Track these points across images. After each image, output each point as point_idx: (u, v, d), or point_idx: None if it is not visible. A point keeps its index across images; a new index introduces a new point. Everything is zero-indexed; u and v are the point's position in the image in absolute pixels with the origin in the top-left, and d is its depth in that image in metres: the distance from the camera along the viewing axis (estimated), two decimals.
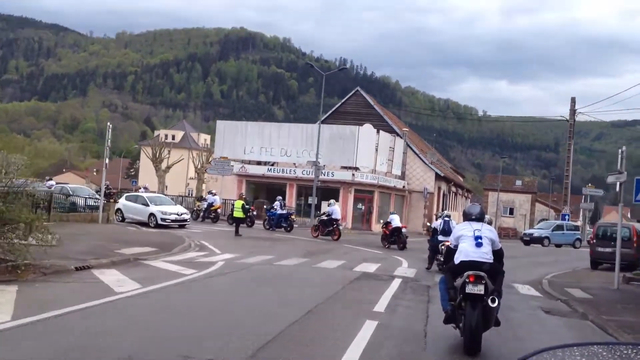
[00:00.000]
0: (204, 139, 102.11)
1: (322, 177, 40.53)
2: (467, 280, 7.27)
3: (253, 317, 8.80)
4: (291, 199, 42.11)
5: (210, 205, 35.24)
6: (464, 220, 8.28)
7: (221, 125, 44.89)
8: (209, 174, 45.61)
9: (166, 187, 71.93)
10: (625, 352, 0.97)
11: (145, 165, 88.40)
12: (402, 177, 47.44)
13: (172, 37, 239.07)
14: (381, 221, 30.15)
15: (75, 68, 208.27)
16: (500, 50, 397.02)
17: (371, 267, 17.12)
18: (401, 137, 47.42)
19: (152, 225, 28.85)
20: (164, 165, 65.14)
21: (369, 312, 9.70)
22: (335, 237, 27.49)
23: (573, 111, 50.41)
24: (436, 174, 48.31)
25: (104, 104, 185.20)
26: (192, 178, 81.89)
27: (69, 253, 14.81)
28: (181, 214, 29.53)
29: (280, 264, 16.38)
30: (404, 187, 46.52)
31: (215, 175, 42.33)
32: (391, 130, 46.88)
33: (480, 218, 8.13)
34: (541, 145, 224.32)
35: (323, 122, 45.97)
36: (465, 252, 7.61)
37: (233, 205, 28.33)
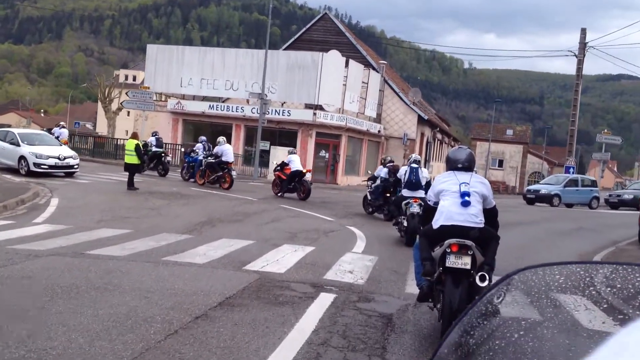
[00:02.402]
0: None
1: (275, 116, 32.31)
2: (449, 250, 5.54)
3: None
4: (238, 143, 33.80)
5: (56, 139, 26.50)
6: (448, 168, 6.13)
7: (152, 49, 35.76)
8: (125, 108, 37.08)
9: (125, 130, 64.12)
10: (601, 270, 1.02)
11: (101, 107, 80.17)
12: (378, 119, 39.20)
13: None
14: (274, 162, 23.78)
15: (52, 11, 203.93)
16: (488, 2, 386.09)
17: (289, 259, 9.10)
18: (377, 71, 38.98)
19: (23, 172, 20.77)
20: (114, 106, 57.33)
21: None
22: (226, 186, 21.07)
23: (583, 44, 42.33)
24: (419, 116, 39.98)
25: (80, 49, 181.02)
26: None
27: None
28: (64, 158, 21.24)
29: (103, 255, 8.26)
30: (379, 131, 38.30)
31: (134, 109, 33.95)
32: (366, 64, 38.41)
33: (469, 167, 6.03)
34: (526, 98, 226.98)
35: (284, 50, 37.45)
36: (448, 213, 5.69)
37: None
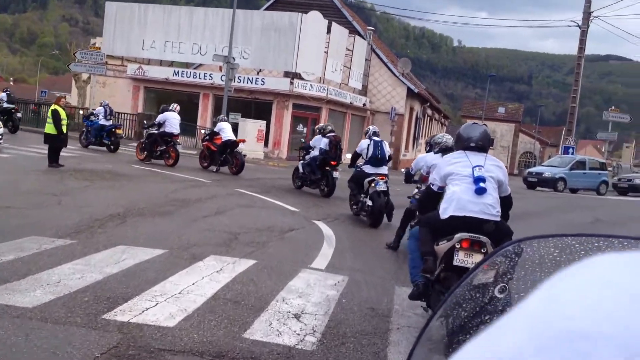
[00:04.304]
0: None
1: (247, 84, 28.73)
2: (459, 245, 4.74)
3: None
4: (205, 115, 30.19)
5: None
6: (458, 147, 5.31)
7: (111, 7, 31.69)
8: (73, 72, 33.26)
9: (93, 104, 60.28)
10: (596, 243, 0.94)
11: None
12: (364, 92, 35.62)
13: None
14: (202, 131, 21.71)
15: None
16: None
17: (200, 290, 5.63)
18: (364, 38, 35.30)
19: None
20: (85, 75, 53.42)
21: None
22: (170, 162, 17.67)
23: (588, 14, 38.89)
24: (408, 89, 36.40)
25: (64, 18, 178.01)
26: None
27: None
28: None
29: None
30: (364, 104, 34.76)
31: (82, 72, 30.28)
32: (351, 30, 34.71)
33: (483, 146, 5.17)
34: (514, 77, 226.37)
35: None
36: (459, 201, 4.86)
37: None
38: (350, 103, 32.57)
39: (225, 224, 9.38)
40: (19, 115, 25.20)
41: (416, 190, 8.91)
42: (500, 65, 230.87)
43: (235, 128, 25.66)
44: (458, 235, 4.76)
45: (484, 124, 5.76)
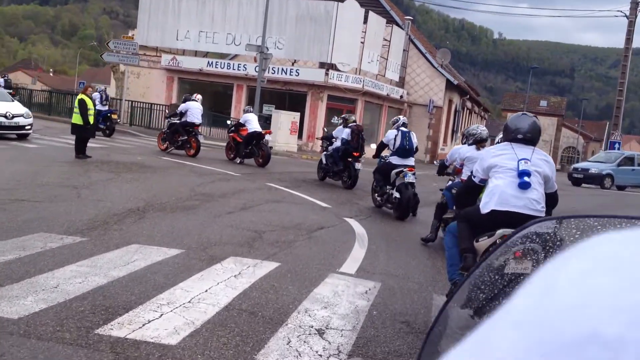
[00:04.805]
0: None
1: (281, 75, 28.16)
2: (500, 242, 3.54)
3: None
4: (239, 107, 29.68)
5: None
6: (504, 139, 5.00)
7: None
8: (108, 62, 33.06)
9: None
10: (618, 225, 0.86)
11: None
12: (401, 83, 34.67)
13: None
14: (228, 122, 21.11)
15: None
16: None
17: (214, 297, 5.01)
18: (402, 28, 34.34)
19: None
20: (123, 67, 53.64)
21: None
22: (191, 152, 17.33)
23: (635, 3, 37.25)
24: (447, 80, 35.32)
25: (105, 11, 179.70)
26: None
27: None
28: (13, 117, 17.41)
29: None
30: (401, 97, 33.83)
31: (115, 62, 30.10)
32: (389, 19, 33.79)
33: (531, 139, 4.77)
34: (556, 70, 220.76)
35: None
36: (502, 195, 4.58)
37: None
38: (387, 95, 31.69)
39: (250, 221, 8.78)
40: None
41: (450, 183, 8.62)
42: (541, 58, 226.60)
43: (268, 120, 25.24)
44: (500, 231, 4.50)
45: (535, 116, 5.16)
